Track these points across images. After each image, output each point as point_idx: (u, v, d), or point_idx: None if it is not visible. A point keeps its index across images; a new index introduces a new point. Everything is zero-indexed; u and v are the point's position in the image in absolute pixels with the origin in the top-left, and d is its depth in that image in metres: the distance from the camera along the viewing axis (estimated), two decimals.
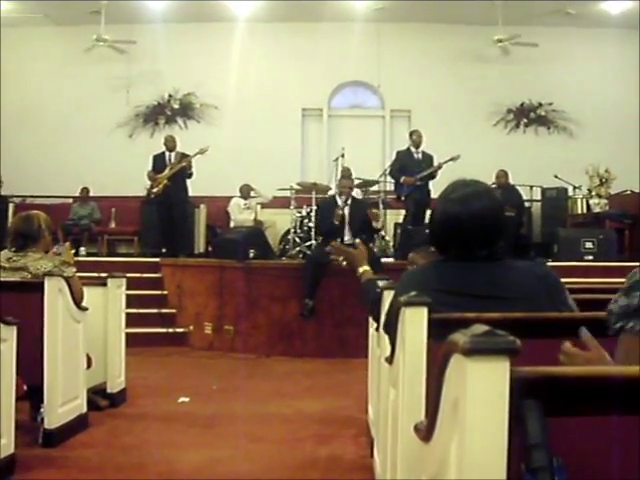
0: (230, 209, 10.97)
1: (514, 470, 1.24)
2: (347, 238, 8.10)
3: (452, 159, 9.54)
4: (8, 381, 3.52)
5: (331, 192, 9.67)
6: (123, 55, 12.78)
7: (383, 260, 8.38)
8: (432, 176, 9.69)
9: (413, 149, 9.84)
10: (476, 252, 2.31)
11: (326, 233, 8.37)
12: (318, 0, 12.04)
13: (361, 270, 3.48)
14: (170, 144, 10.29)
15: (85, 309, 4.58)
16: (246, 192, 10.91)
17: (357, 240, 3.63)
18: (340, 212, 8.06)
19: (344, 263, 4.14)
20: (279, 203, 11.01)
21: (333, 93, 13.79)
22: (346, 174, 9.99)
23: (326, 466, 3.98)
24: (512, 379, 1.22)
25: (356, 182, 10.42)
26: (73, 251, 4.91)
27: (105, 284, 5.35)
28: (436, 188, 9.19)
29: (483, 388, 1.21)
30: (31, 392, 3.98)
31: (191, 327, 8.58)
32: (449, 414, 1.37)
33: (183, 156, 10.09)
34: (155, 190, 10.02)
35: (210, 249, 10.95)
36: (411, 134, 10.01)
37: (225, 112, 13.29)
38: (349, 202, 8.23)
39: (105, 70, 13.00)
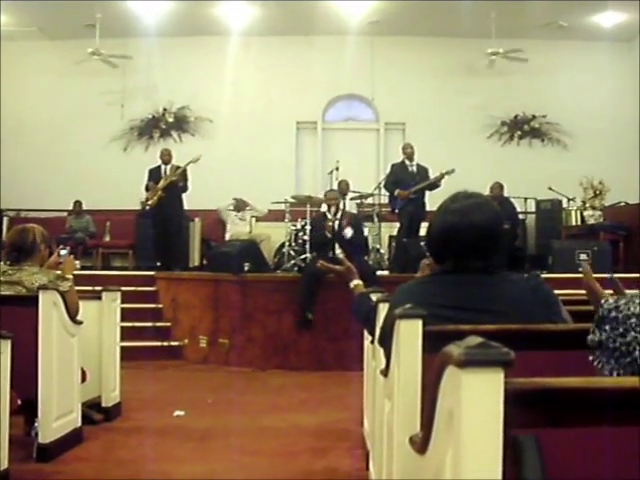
0: (223, 214, 10.94)
1: None
2: (338, 252, 8.14)
3: (447, 173, 9.52)
4: (2, 395, 3.50)
5: (323, 207, 9.69)
6: (118, 69, 12.80)
7: (378, 273, 8.38)
8: (430, 188, 9.67)
9: (407, 162, 9.86)
10: (473, 263, 2.31)
11: (317, 246, 8.45)
12: (312, 13, 12.10)
13: (352, 285, 3.48)
14: (165, 157, 10.32)
15: (80, 323, 4.56)
16: (241, 206, 10.92)
17: (340, 254, 3.62)
18: (330, 224, 8.11)
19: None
20: (274, 216, 11.02)
21: (327, 106, 13.83)
22: (342, 187, 10.07)
23: (322, 479, 3.97)
24: (507, 391, 1.22)
25: (351, 195, 10.47)
26: (72, 257, 4.89)
27: (100, 298, 5.35)
28: (432, 201, 9.21)
29: (478, 400, 1.21)
30: (25, 406, 3.96)
31: (186, 340, 8.56)
32: (444, 426, 1.37)
33: (178, 169, 10.10)
34: (150, 202, 10.03)
35: (205, 262, 10.95)
36: (403, 148, 10.03)
37: (220, 125, 13.32)
38: (338, 216, 8.26)
39: (100, 84, 13.03)
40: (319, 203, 10.35)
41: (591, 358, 1.73)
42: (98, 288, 5.59)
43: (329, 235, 8.11)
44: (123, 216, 12.29)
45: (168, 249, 10.13)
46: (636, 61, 12.36)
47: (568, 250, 9.86)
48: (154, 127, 13.56)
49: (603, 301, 1.76)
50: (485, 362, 1.21)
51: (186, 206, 10.46)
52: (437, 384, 1.39)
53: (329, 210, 8.38)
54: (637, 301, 1.66)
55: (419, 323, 2.11)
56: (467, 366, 1.21)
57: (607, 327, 1.68)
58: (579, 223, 11.52)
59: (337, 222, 8.18)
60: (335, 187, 10.09)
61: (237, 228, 10.74)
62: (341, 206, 9.22)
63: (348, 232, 8.09)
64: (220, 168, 12.29)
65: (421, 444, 1.57)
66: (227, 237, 10.72)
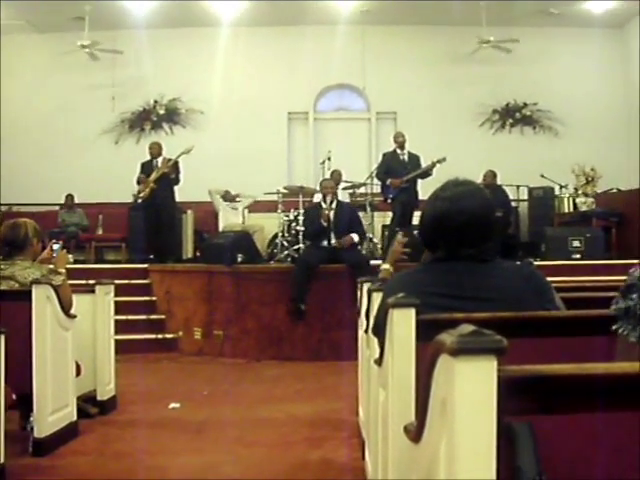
0: (214, 198, 10.87)
1: (503, 468, 1.24)
2: (333, 241, 8.15)
3: (439, 161, 9.48)
4: None
5: (316, 198, 9.68)
6: (108, 61, 12.74)
7: (371, 262, 8.37)
8: (422, 177, 9.66)
9: (399, 150, 9.84)
10: (464, 250, 2.32)
11: (313, 236, 8.45)
12: (302, 2, 12.06)
13: (381, 267, 3.52)
14: (155, 151, 10.27)
15: (74, 317, 4.55)
16: (229, 198, 10.86)
17: (400, 233, 3.62)
18: (326, 212, 8.12)
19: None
20: (266, 207, 11.00)
21: (318, 96, 13.81)
22: (335, 177, 10.05)
23: (318, 469, 3.98)
24: (500, 378, 1.22)
25: (343, 185, 10.46)
26: (65, 251, 4.88)
27: (93, 291, 5.34)
28: (424, 190, 9.20)
29: (471, 388, 1.21)
30: (20, 401, 3.96)
31: (180, 333, 8.56)
32: (438, 414, 1.37)
33: (170, 161, 10.07)
34: (142, 194, 10.01)
35: (198, 254, 10.93)
36: (395, 137, 10.00)
37: (211, 117, 13.29)
38: (333, 205, 8.28)
39: (90, 77, 12.98)
40: (311, 193, 10.36)
41: (614, 327, 1.72)
42: (91, 282, 5.59)
43: (325, 224, 8.12)
44: (115, 209, 12.27)
45: (161, 241, 10.11)
46: (627, 47, 12.38)
47: (561, 237, 9.88)
48: (145, 119, 13.52)
49: (632, 270, 1.75)
50: (478, 350, 1.21)
51: (178, 198, 10.44)
52: (430, 373, 1.39)
53: (324, 199, 8.38)
54: None
55: (412, 312, 2.11)
56: (460, 354, 1.21)
57: (635, 295, 1.67)
58: (571, 210, 11.54)
59: (332, 211, 8.20)
60: (328, 177, 10.08)
61: (230, 219, 10.70)
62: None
63: (354, 238, 8.13)
64: (212, 159, 12.27)
65: (415, 433, 1.58)
66: (220, 228, 10.68)
